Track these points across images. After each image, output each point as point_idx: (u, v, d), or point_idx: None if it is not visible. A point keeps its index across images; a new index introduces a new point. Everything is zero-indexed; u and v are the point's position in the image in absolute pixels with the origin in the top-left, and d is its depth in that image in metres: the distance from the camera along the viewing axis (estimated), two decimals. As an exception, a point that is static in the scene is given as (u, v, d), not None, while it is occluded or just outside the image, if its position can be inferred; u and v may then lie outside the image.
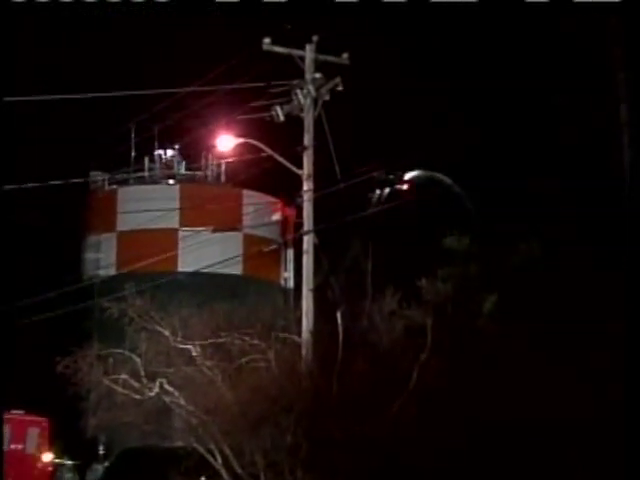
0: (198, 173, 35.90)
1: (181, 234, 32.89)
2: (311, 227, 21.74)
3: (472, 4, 20.19)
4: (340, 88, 21.98)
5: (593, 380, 18.19)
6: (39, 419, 29.73)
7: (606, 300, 18.55)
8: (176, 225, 33.38)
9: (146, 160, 35.68)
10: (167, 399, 21.77)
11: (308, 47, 22.17)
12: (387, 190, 29.48)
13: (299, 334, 21.22)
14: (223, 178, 35.68)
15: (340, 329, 20.64)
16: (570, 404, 18.19)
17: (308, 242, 21.76)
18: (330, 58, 22.45)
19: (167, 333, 22.21)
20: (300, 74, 22.16)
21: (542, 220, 22.35)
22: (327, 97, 21.97)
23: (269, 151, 22.68)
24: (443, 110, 29.39)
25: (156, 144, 35.16)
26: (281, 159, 22.45)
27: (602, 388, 17.87)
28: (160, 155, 35.93)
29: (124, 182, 35.14)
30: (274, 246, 32.75)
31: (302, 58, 22.18)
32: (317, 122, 22.02)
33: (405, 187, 29.64)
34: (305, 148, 21.90)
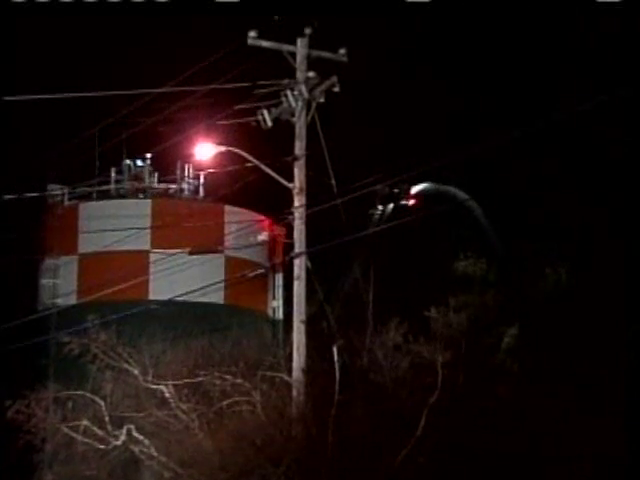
0: (173, 186, 36.12)
1: (153, 257, 32.99)
2: (303, 249, 21.92)
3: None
4: (336, 89, 22.21)
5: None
6: (-14, 473, 29.69)
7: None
8: (147, 246, 33.51)
9: (112, 171, 35.90)
10: (136, 449, 21.89)
11: (300, 41, 22.40)
12: (391, 206, 29.68)
13: (289, 372, 21.35)
14: (202, 192, 35.92)
15: (337, 367, 20.78)
16: (599, 455, 18.35)
17: (300, 266, 21.93)
18: (325, 54, 22.67)
19: (136, 372, 22.35)
20: (291, 72, 22.39)
21: (570, 240, 22.61)
22: (321, 99, 22.19)
23: (255, 161, 22.88)
24: (456, 113, 29.64)
25: (124, 153, 35.40)
26: (268, 170, 22.66)
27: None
28: (129, 166, 36.16)
29: (87, 197, 35.32)
30: (261, 270, 32.89)
31: (293, 54, 22.41)
32: (310, 128, 22.23)
33: (412, 202, 29.87)
34: (296, 158, 22.10)
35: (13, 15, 22.14)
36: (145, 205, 34.78)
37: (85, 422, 22.34)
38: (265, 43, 22.28)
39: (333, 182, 22.06)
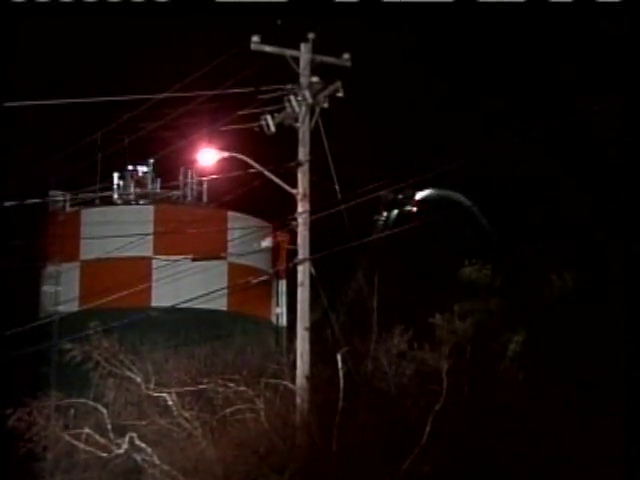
0: (176, 192, 36.18)
1: (155, 263, 33.06)
2: (307, 255, 21.96)
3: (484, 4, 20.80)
4: (340, 94, 22.26)
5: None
6: (-13, 481, 29.70)
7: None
8: (150, 253, 33.56)
9: (115, 177, 35.97)
10: (138, 457, 21.91)
11: (303, 46, 22.46)
12: (395, 212, 29.76)
13: (293, 380, 21.38)
14: (205, 198, 35.97)
15: (341, 374, 20.80)
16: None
17: (303, 273, 21.95)
18: (329, 59, 22.74)
19: (139, 379, 22.38)
20: (294, 78, 22.45)
21: (570, 241, 22.64)
22: (325, 104, 22.25)
23: (258, 167, 22.93)
24: (461, 120, 29.69)
25: (126, 159, 35.47)
26: (272, 176, 22.70)
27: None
28: (131, 171, 36.23)
29: (89, 203, 35.39)
30: (264, 277, 32.92)
31: (296, 59, 22.47)
32: (314, 133, 22.28)
33: (416, 209, 29.93)
34: (300, 163, 22.16)
35: (13, 15, 22.24)
36: (148, 211, 34.84)
37: (87, 430, 22.36)
38: (268, 48, 22.35)
39: (337, 188, 22.10)
